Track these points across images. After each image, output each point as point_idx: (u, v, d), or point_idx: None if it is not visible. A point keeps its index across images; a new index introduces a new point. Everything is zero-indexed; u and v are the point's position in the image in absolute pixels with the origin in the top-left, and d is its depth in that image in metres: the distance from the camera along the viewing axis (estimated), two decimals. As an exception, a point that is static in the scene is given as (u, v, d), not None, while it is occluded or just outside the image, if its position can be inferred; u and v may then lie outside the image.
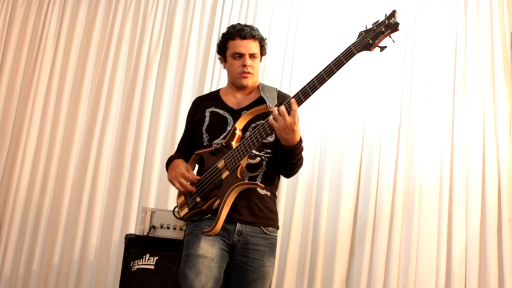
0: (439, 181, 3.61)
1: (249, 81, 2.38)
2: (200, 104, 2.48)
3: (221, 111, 2.39)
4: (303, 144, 2.26)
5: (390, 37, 2.09)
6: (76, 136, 4.06)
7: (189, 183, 2.29)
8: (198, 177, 2.29)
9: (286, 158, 2.21)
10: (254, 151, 2.28)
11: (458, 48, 3.78)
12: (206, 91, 3.91)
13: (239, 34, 2.36)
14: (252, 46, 2.36)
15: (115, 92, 4.10)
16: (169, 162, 2.46)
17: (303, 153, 2.29)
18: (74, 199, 3.99)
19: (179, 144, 2.58)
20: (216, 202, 2.22)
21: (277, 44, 3.97)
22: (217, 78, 3.99)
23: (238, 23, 2.44)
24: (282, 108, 2.09)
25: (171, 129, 3.99)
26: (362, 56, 2.10)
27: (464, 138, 3.66)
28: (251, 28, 2.39)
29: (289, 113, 2.09)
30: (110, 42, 4.18)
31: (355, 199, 3.71)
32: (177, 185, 2.31)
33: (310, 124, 3.83)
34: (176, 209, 2.39)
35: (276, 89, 2.44)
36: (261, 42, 2.41)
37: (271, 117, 2.11)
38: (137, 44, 4.17)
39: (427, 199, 3.61)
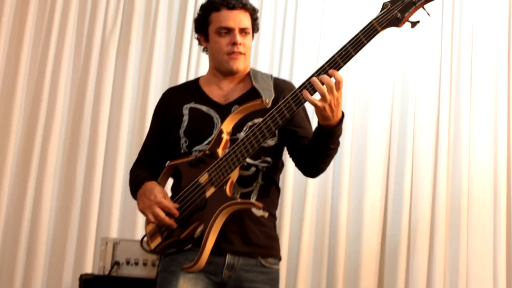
0: (493, 188, 3.65)
1: (240, 64, 2.37)
2: (175, 97, 2.46)
3: (204, 108, 2.37)
4: None
5: (424, 8, 2.07)
6: (11, 145, 3.95)
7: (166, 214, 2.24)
8: (177, 205, 2.27)
9: (326, 142, 2.17)
10: (248, 160, 2.24)
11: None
12: (182, 81, 3.85)
13: (225, 4, 2.35)
14: (242, 18, 2.36)
15: (61, 87, 4.01)
16: (136, 183, 2.40)
17: None
18: (9, 232, 3.88)
19: (143, 150, 2.55)
20: (199, 229, 2.19)
21: (273, 18, 3.97)
22: (194, 64, 4.00)
23: None
24: (328, 80, 2.04)
25: (136, 133, 3.97)
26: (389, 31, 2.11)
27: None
28: None
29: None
30: (52, 20, 4.08)
31: (383, 217, 3.76)
32: (151, 216, 2.26)
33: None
34: (145, 239, 2.37)
35: (271, 76, 2.44)
36: (253, 14, 2.41)
37: (308, 95, 2.05)
38: (88, 21, 4.12)
39: (478, 212, 3.64)
